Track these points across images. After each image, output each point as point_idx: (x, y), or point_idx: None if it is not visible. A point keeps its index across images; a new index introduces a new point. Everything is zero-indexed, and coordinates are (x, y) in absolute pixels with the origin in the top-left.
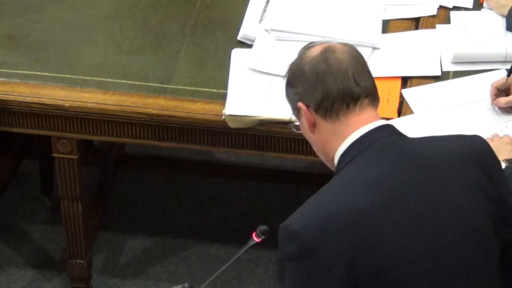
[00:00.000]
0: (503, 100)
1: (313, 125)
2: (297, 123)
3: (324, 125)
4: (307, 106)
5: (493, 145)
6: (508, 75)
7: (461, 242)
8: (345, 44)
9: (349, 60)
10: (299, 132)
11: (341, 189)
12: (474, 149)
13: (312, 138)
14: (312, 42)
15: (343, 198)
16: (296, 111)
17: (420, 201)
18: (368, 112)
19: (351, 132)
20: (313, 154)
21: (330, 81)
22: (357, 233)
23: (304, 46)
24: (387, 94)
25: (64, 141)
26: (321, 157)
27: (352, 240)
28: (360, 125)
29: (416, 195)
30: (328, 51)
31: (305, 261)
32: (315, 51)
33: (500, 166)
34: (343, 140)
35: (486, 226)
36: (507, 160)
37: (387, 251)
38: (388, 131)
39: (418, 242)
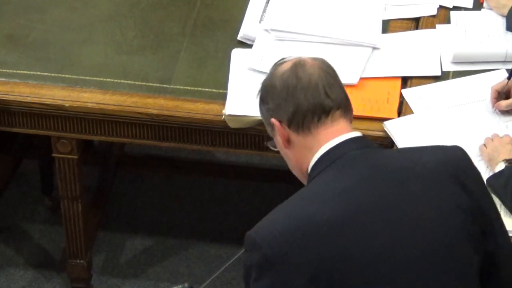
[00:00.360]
0: (504, 103)
1: (287, 141)
2: (273, 140)
3: (297, 140)
4: (280, 122)
5: (493, 145)
6: (509, 78)
7: (432, 255)
8: (315, 59)
9: (319, 73)
10: (275, 149)
11: (307, 201)
12: (451, 162)
13: (287, 153)
14: (283, 58)
15: (308, 210)
16: (271, 127)
17: (389, 214)
18: (340, 124)
19: (323, 144)
20: None
21: (301, 94)
22: (321, 246)
23: (276, 63)
24: (387, 94)
25: (64, 141)
26: (296, 173)
27: (314, 253)
28: (331, 137)
29: (385, 208)
30: (298, 65)
31: (266, 272)
32: (285, 67)
33: (479, 177)
34: (315, 153)
35: (460, 239)
36: (507, 160)
37: (351, 264)
38: (360, 143)
39: (385, 255)
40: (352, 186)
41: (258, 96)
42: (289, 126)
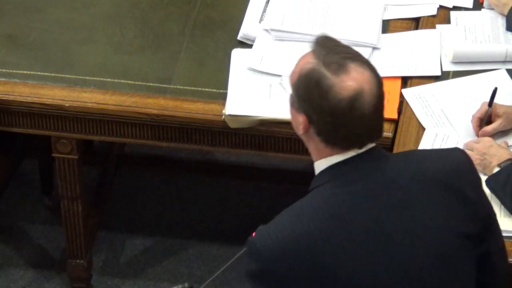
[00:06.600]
0: (490, 128)
1: (306, 131)
2: (289, 84)
3: (316, 139)
4: (310, 123)
5: (479, 152)
6: (490, 105)
7: (428, 270)
8: (375, 87)
9: (370, 113)
10: (290, 94)
11: (309, 213)
12: (452, 170)
13: (298, 131)
14: (348, 70)
15: (308, 224)
16: (295, 103)
17: (385, 231)
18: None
19: (333, 155)
20: None
21: (345, 125)
22: (317, 260)
23: (340, 65)
24: (387, 94)
25: (64, 141)
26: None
27: (311, 267)
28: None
29: (382, 225)
30: (358, 97)
31: (264, 281)
32: (345, 93)
33: (478, 182)
34: (324, 157)
35: (458, 252)
36: (499, 164)
37: (346, 280)
38: (370, 156)
39: (380, 270)
40: (351, 205)
41: (299, 83)
42: (317, 134)
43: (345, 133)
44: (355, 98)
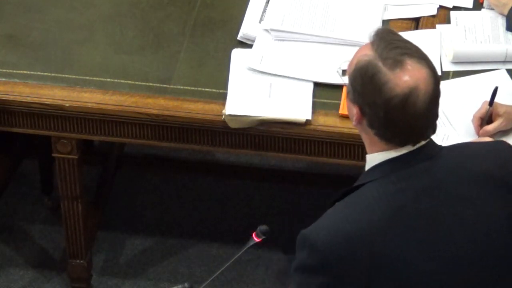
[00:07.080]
0: (491, 127)
1: (359, 122)
2: (345, 69)
3: (369, 132)
4: (362, 115)
5: None
6: (490, 104)
7: (484, 263)
8: (431, 83)
9: (426, 111)
10: (343, 77)
11: (366, 207)
12: (500, 165)
13: (352, 121)
14: (404, 62)
15: (366, 218)
16: (350, 93)
17: (443, 227)
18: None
19: (388, 150)
20: (313, 154)
21: (397, 121)
22: (374, 254)
23: (396, 61)
24: None
25: (64, 141)
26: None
27: (368, 261)
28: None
29: (437, 223)
30: (411, 96)
31: (319, 275)
32: (399, 90)
33: None
34: (378, 150)
35: (508, 243)
36: None
37: (403, 275)
38: (424, 153)
39: (439, 265)
40: (405, 203)
41: (356, 76)
42: (370, 127)
43: (398, 130)
44: (409, 95)
